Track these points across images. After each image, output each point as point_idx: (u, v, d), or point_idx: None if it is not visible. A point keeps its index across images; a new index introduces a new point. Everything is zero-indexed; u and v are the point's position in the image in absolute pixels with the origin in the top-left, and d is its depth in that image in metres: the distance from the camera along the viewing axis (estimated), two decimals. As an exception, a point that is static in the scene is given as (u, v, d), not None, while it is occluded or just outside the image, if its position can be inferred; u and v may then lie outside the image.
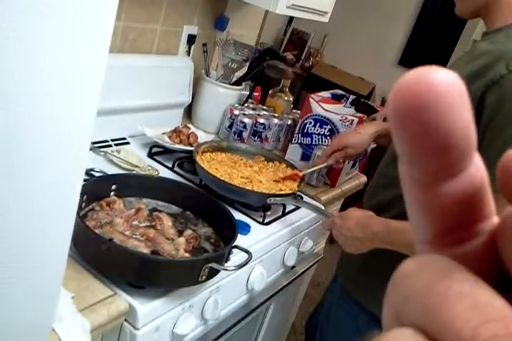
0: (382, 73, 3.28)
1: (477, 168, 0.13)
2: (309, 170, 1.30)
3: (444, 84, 0.12)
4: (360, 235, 0.98)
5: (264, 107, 1.72)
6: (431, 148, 0.12)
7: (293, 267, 1.26)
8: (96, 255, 0.84)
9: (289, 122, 1.66)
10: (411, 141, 0.13)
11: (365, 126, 1.34)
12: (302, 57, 3.52)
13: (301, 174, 1.27)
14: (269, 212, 1.22)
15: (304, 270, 1.28)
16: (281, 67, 1.69)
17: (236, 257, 0.95)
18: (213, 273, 0.88)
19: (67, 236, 0.55)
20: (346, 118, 1.48)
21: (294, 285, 1.31)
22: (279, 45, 3.67)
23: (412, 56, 3.37)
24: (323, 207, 1.31)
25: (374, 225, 0.96)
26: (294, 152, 1.55)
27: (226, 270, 0.88)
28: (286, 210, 1.26)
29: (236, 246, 0.93)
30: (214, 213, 1.05)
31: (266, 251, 1.11)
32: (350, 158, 1.32)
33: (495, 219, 0.14)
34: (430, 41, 3.33)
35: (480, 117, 0.81)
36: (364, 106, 1.64)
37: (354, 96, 1.67)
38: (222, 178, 1.17)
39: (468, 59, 0.90)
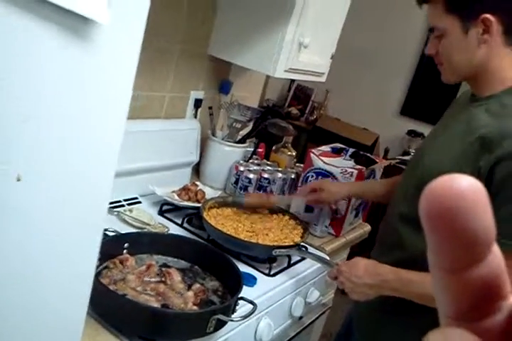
0: (385, 123, 3.41)
1: (495, 254, 0.15)
2: (281, 202, 1.41)
3: (470, 191, 0.14)
4: (370, 282, 1.02)
5: (269, 162, 1.81)
6: (457, 244, 0.14)
7: (301, 318, 1.29)
8: (110, 310, 0.89)
9: (293, 176, 1.74)
10: (441, 238, 0.14)
11: (348, 183, 1.49)
12: (306, 111, 3.67)
13: (272, 202, 1.38)
14: (275, 264, 1.27)
15: (311, 321, 1.31)
16: (283, 124, 1.80)
17: (243, 309, 0.99)
18: (221, 324, 0.92)
19: (86, 297, 0.61)
20: (346, 170, 1.56)
21: (303, 336, 1.33)
22: (284, 101, 3.84)
23: (413, 106, 3.50)
24: (328, 257, 1.35)
25: (384, 273, 1.01)
26: (298, 204, 1.62)
27: (232, 321, 0.92)
28: (292, 261, 1.30)
29: (242, 298, 0.98)
30: (221, 267, 1.10)
31: (272, 303, 1.15)
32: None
33: None
34: (430, 90, 3.45)
35: (488, 187, 0.89)
36: (363, 158, 1.72)
37: (354, 149, 1.76)
38: (228, 233, 1.23)
39: (468, 130, 0.97)
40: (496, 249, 0.15)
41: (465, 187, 0.14)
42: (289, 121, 3.35)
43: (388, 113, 3.51)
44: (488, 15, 0.91)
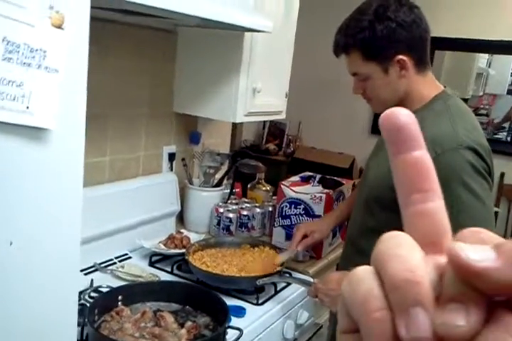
0: (358, 145, 3.56)
1: (423, 154, 0.22)
2: (281, 260, 1.43)
3: (402, 115, 0.23)
4: None
5: (246, 200, 1.94)
6: (397, 138, 0.22)
7: (295, 340, 1.38)
8: (111, 357, 0.99)
9: (270, 209, 1.86)
10: (389, 136, 0.22)
11: (328, 216, 1.59)
12: (283, 145, 3.84)
13: (277, 263, 1.42)
14: (262, 293, 1.37)
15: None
16: (253, 163, 1.95)
17: (233, 337, 1.09)
18: (213, 354, 1.02)
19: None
20: (315, 195, 1.69)
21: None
22: (261, 138, 4.02)
23: (382, 123, 3.67)
24: (311, 279, 1.45)
25: None
26: (278, 234, 1.73)
27: (222, 349, 1.02)
28: (278, 288, 1.41)
29: (229, 327, 1.08)
30: (210, 303, 1.21)
31: (263, 328, 1.25)
32: (316, 242, 1.52)
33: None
34: (395, 107, 3.64)
35: None
36: (331, 182, 1.85)
37: (320, 175, 1.89)
38: (213, 272, 1.35)
39: None
40: (425, 153, 0.22)
41: (401, 114, 0.23)
42: (268, 157, 3.51)
43: (360, 134, 3.68)
44: (401, 56, 1.10)
